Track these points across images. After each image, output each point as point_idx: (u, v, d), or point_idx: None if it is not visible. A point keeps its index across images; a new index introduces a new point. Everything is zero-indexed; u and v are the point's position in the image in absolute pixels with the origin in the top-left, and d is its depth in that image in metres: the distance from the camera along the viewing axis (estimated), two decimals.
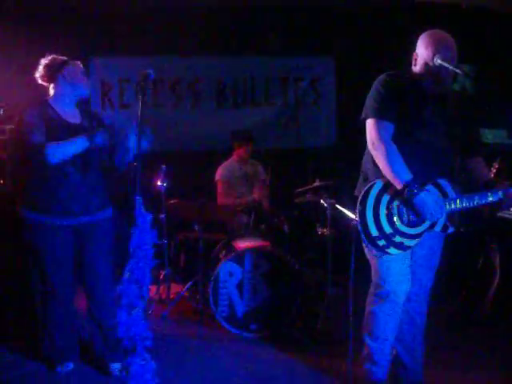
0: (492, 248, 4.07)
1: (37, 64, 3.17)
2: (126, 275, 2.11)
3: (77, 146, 2.97)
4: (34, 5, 5.16)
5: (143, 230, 2.13)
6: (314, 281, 4.37)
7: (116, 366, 3.21)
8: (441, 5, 5.69)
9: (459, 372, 3.30)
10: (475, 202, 2.76)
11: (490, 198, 2.76)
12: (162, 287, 4.61)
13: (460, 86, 5.82)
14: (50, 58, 3.16)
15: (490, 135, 6.06)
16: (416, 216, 2.69)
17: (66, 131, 3.06)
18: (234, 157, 5.21)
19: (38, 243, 3.17)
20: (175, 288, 4.60)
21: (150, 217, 2.18)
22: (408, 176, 2.64)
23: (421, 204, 2.62)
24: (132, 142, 2.99)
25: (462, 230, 3.96)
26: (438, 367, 3.24)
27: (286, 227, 4.63)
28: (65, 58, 3.20)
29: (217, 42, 5.73)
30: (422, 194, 2.62)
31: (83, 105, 3.28)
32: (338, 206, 3.95)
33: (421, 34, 2.86)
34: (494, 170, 3.80)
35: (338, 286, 4.01)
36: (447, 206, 2.73)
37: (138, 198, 2.17)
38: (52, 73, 3.14)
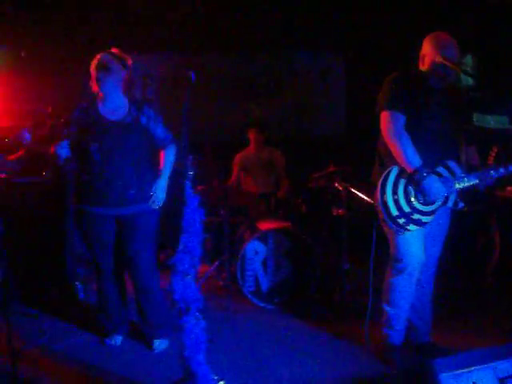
0: (492, 226, 4.45)
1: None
2: (181, 247, 2.50)
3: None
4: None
5: (193, 209, 2.52)
6: (331, 257, 4.75)
7: (159, 343, 3.53)
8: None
9: (462, 334, 3.65)
10: (481, 178, 3.11)
11: (492, 172, 3.11)
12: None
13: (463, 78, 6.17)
14: (97, 55, 3.31)
15: (492, 121, 6.38)
16: (423, 197, 3.07)
17: (101, 128, 3.29)
18: (251, 145, 5.60)
19: (82, 229, 3.50)
20: (202, 268, 4.98)
21: (198, 198, 2.56)
22: (418, 162, 3.01)
23: (428, 187, 3.01)
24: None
25: (465, 209, 4.37)
26: (444, 330, 3.59)
27: (304, 209, 5.03)
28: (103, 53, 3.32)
29: (232, 39, 6.07)
30: (429, 178, 3.00)
31: (136, 99, 3.44)
32: (351, 189, 4.34)
33: (425, 29, 3.24)
34: (494, 154, 4.16)
35: (352, 261, 4.38)
36: (456, 185, 3.11)
37: (187, 182, 2.56)
38: (91, 72, 3.34)
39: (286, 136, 6.23)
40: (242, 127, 5.79)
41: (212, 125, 6.16)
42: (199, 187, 4.74)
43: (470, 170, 3.20)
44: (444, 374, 2.20)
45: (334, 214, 4.55)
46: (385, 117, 3.10)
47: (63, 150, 3.21)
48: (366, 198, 4.08)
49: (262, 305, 4.28)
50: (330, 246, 4.80)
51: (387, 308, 3.29)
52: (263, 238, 4.31)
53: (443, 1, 5.99)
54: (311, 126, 6.39)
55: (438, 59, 3.02)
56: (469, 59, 6.44)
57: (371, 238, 3.33)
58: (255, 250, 4.31)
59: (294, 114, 6.39)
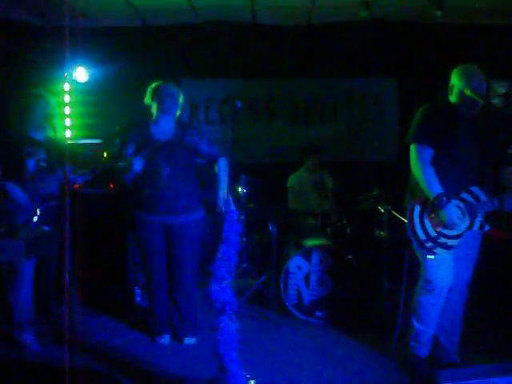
0: None
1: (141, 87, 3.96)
2: (219, 255, 2.83)
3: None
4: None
5: (232, 222, 2.85)
6: (372, 276, 4.94)
7: (189, 339, 3.98)
8: (496, 26, 6.11)
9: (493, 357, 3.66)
10: (505, 204, 3.26)
11: None
12: (239, 280, 5.31)
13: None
14: (152, 83, 3.86)
15: None
16: (441, 223, 3.26)
17: (151, 148, 3.75)
18: (304, 167, 5.91)
19: (136, 233, 3.96)
20: (250, 281, 5.30)
21: (237, 213, 2.89)
22: (439, 190, 3.24)
23: (444, 214, 3.23)
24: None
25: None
26: (472, 353, 3.66)
27: (348, 230, 5.26)
28: (158, 82, 3.84)
29: (291, 66, 6.44)
30: (447, 206, 3.21)
31: (181, 121, 3.93)
32: (393, 212, 4.54)
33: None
34: None
35: (392, 281, 4.55)
36: (481, 209, 3.29)
37: (230, 198, 2.90)
38: (151, 96, 3.84)
39: (339, 160, 6.46)
40: (297, 149, 6.12)
41: (267, 146, 6.53)
42: (251, 205, 5.10)
43: (502, 192, 3.33)
44: None
45: (377, 235, 4.75)
46: (413, 149, 3.37)
47: (137, 164, 3.68)
48: (405, 220, 4.27)
49: (304, 318, 4.53)
50: (372, 266, 4.99)
51: (415, 323, 3.49)
52: (306, 254, 4.58)
53: (498, 28, 6.10)
54: (364, 150, 6.59)
55: (466, 91, 3.23)
56: None
57: (407, 259, 3.57)
58: (298, 266, 4.58)
59: (348, 138, 6.62)
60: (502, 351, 3.79)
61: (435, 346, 3.54)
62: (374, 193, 4.72)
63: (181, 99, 3.87)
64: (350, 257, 4.58)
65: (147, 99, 3.87)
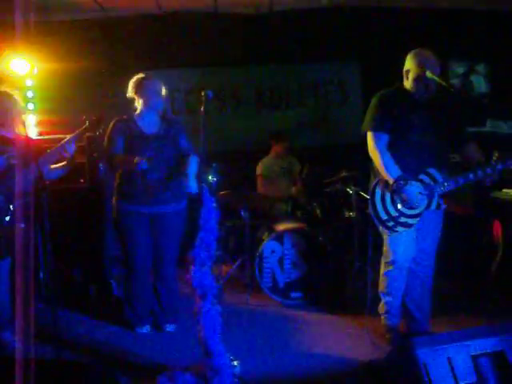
0: (495, 226, 4.70)
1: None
2: (198, 242, 2.91)
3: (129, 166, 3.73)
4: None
5: (209, 209, 2.93)
6: (343, 256, 5.10)
7: (169, 326, 4.07)
8: (454, 10, 6.29)
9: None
10: (460, 183, 3.43)
11: (471, 176, 3.40)
12: (214, 267, 5.37)
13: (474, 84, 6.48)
14: (135, 76, 3.88)
15: (506, 127, 6.61)
16: (404, 203, 3.41)
17: (141, 141, 3.81)
18: (272, 153, 6.00)
19: (120, 225, 3.96)
20: (225, 268, 5.38)
21: (214, 200, 2.97)
22: (396, 173, 3.39)
23: (407, 194, 3.38)
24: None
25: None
26: (442, 321, 3.90)
27: (318, 212, 5.40)
28: (140, 75, 3.88)
29: (254, 54, 6.51)
30: (408, 187, 3.37)
31: (165, 115, 3.97)
32: (361, 193, 4.69)
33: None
34: (495, 158, 4.42)
35: (362, 259, 4.72)
36: (438, 189, 3.45)
37: (204, 186, 2.97)
38: (134, 90, 3.88)
39: (307, 144, 6.58)
40: (264, 136, 6.21)
41: (234, 134, 6.60)
42: (222, 192, 5.16)
43: (467, 168, 3.48)
44: (422, 350, 2.53)
45: (346, 216, 4.90)
46: (369, 137, 3.51)
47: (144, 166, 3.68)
48: None
49: (280, 299, 4.66)
50: (343, 246, 5.15)
51: (383, 296, 3.72)
52: (279, 238, 4.69)
53: (456, 11, 6.28)
54: (330, 134, 6.72)
55: (426, 74, 3.36)
56: (482, 67, 6.71)
57: (377, 238, 3.74)
58: (272, 250, 4.69)
59: (314, 123, 6.74)
60: (469, 319, 4.02)
61: (408, 318, 3.73)
62: (342, 175, 4.85)
63: (163, 92, 3.90)
64: (321, 238, 4.71)
65: (129, 92, 3.90)
